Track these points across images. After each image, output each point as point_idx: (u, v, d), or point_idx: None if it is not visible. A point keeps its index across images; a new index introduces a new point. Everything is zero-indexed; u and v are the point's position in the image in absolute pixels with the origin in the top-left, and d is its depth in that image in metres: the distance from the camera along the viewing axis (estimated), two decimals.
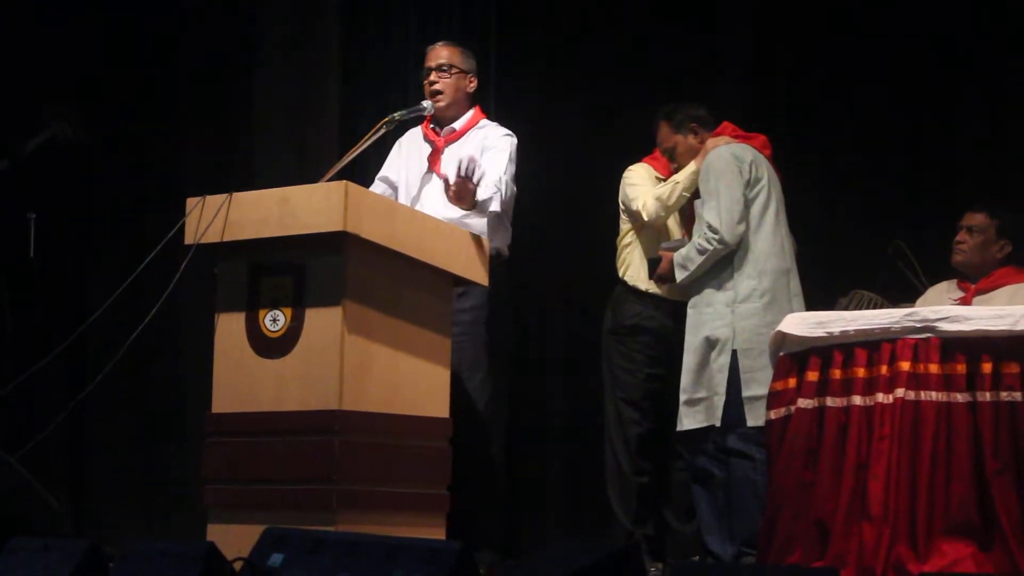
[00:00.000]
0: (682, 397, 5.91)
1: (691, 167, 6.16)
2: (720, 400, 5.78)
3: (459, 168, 5.67)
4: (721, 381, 5.77)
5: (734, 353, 5.77)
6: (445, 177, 5.95)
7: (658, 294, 6.29)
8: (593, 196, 6.63)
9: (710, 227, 5.81)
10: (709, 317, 5.84)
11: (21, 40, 7.74)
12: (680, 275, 5.94)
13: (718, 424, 5.79)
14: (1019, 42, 6.51)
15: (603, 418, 6.41)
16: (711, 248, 5.82)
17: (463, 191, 5.72)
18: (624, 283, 6.37)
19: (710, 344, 5.82)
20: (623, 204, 6.39)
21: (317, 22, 7.70)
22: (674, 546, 6.38)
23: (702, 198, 5.93)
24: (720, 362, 5.78)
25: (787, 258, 5.93)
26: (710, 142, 6.03)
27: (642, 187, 6.33)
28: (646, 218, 6.27)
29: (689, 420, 5.89)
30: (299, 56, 7.70)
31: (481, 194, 5.82)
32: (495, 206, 5.94)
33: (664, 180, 6.35)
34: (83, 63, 7.87)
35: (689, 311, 5.95)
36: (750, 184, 5.88)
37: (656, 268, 6.09)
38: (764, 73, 7.04)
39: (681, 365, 6.02)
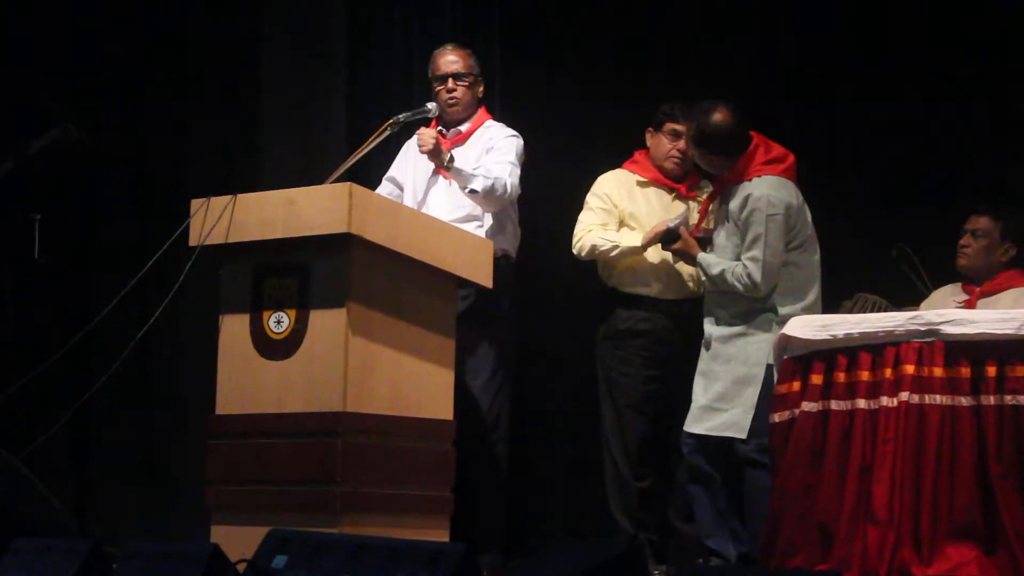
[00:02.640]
0: (702, 400, 5.88)
1: (634, 242, 6.15)
2: (749, 414, 5.75)
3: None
4: (752, 395, 5.74)
5: (769, 368, 5.71)
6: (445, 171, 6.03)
7: (650, 296, 6.25)
8: None
9: (751, 276, 5.76)
10: (742, 348, 5.80)
11: (24, 40, 7.74)
12: (703, 280, 5.94)
13: (743, 436, 5.76)
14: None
15: (600, 424, 6.40)
16: (744, 293, 5.79)
17: (422, 140, 5.91)
18: (613, 289, 6.34)
19: (745, 369, 5.79)
20: None
21: (322, 21, 7.69)
22: (676, 549, 6.36)
23: (745, 229, 5.83)
24: (755, 379, 5.73)
25: (819, 284, 5.92)
26: (756, 181, 5.85)
27: (590, 215, 6.29)
28: (575, 252, 6.28)
29: (705, 425, 5.84)
30: (304, 56, 7.70)
31: (471, 171, 5.98)
32: (477, 185, 5.97)
33: (646, 183, 6.31)
34: (87, 63, 7.87)
35: (719, 333, 5.90)
36: (793, 229, 5.84)
37: (671, 239, 6.04)
38: (765, 72, 7.02)
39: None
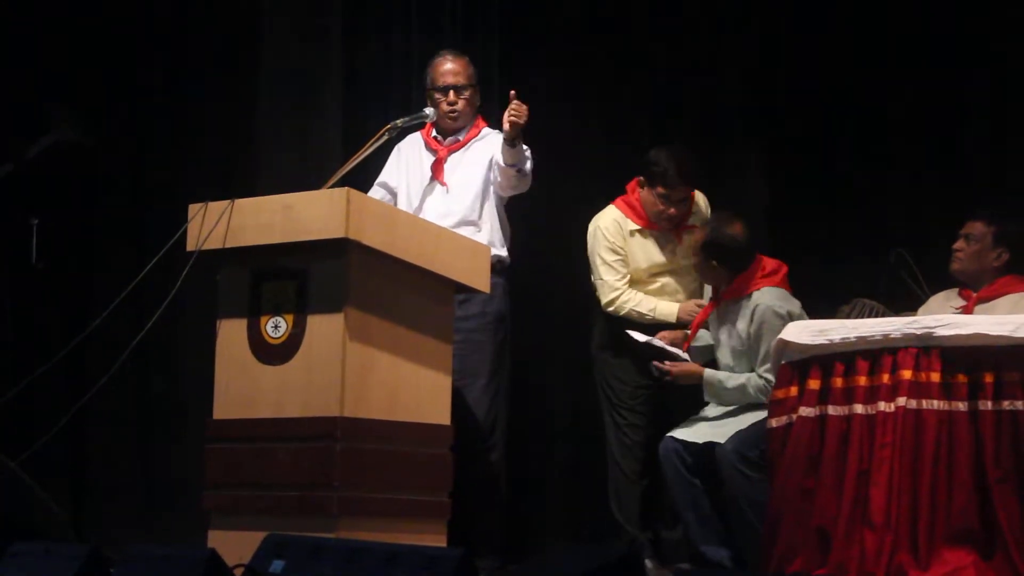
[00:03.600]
0: (708, 413, 5.97)
1: (669, 317, 6.24)
2: (739, 427, 5.82)
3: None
4: (753, 417, 5.78)
5: None
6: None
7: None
8: (596, 199, 6.61)
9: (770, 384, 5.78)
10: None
11: (23, 42, 7.74)
12: (715, 401, 5.99)
13: (721, 441, 5.80)
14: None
15: (603, 431, 6.42)
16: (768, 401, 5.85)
17: (520, 112, 5.83)
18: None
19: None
20: (590, 256, 6.38)
21: (319, 24, 7.69)
22: (669, 550, 6.39)
23: (756, 343, 5.88)
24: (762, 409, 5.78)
25: None
26: (758, 295, 5.92)
27: (611, 273, 6.29)
28: (607, 310, 6.31)
29: (693, 434, 5.92)
30: (301, 59, 7.69)
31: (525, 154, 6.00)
32: (528, 166, 6.04)
33: (640, 231, 6.32)
34: (85, 66, 7.87)
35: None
36: None
37: (663, 375, 6.05)
38: (765, 76, 7.02)
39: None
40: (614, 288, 6.28)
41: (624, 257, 6.31)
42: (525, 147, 6.02)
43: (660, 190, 6.24)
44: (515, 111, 5.84)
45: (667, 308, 6.28)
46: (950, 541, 4.91)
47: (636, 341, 6.11)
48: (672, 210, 6.25)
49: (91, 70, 7.88)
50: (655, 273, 6.33)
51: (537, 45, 7.34)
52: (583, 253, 6.46)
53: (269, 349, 5.32)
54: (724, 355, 6.02)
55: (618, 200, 6.39)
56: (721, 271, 5.98)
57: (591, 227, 6.39)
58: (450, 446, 5.42)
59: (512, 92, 5.87)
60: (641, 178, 6.30)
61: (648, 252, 6.32)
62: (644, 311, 6.27)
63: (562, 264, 6.93)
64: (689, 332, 6.18)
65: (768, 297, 5.90)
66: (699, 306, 6.22)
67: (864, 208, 6.74)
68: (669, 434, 5.96)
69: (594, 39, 7.26)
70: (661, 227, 6.31)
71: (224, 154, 7.74)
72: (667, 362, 6.04)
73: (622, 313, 6.28)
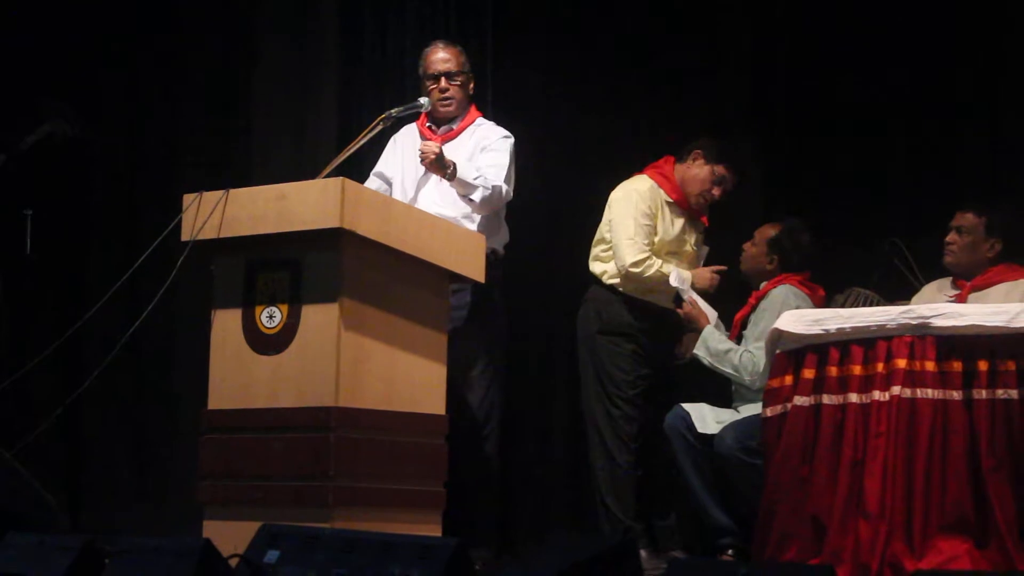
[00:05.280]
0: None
1: (687, 275, 6.26)
2: (733, 418, 5.92)
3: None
4: (752, 411, 5.84)
5: None
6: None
7: (658, 304, 6.32)
8: (592, 193, 6.62)
9: (756, 364, 5.93)
10: None
11: (18, 36, 7.73)
12: (701, 353, 6.10)
13: (712, 432, 5.94)
14: (1019, 40, 6.51)
15: (588, 420, 6.43)
16: (738, 378, 6.04)
17: (425, 150, 5.88)
18: (607, 286, 6.36)
19: None
20: (608, 223, 6.37)
21: (315, 15, 7.69)
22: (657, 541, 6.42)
23: (756, 323, 6.05)
24: None
25: None
26: (777, 289, 6.11)
27: (640, 232, 6.26)
28: (633, 269, 6.26)
29: (700, 419, 6.04)
30: (297, 50, 7.70)
31: (472, 181, 5.94)
32: (477, 196, 5.96)
33: (672, 204, 6.33)
34: (80, 59, 7.86)
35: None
36: None
37: (679, 303, 6.23)
38: (764, 72, 7.03)
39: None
40: (643, 249, 6.27)
41: (654, 224, 6.31)
42: (476, 177, 5.99)
43: (720, 169, 6.26)
44: (420, 150, 5.92)
45: (683, 274, 6.29)
46: (944, 530, 4.92)
47: (677, 288, 6.22)
48: (717, 192, 6.27)
49: (85, 62, 7.87)
50: (671, 252, 6.34)
51: (532, 41, 7.34)
52: (583, 245, 6.46)
53: (264, 339, 5.31)
54: (748, 344, 6.12)
55: (649, 171, 6.40)
56: (774, 269, 6.17)
57: (619, 193, 6.37)
58: (445, 436, 5.42)
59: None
60: (698, 151, 6.30)
61: (676, 227, 6.36)
62: (666, 272, 6.27)
63: (562, 255, 6.93)
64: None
65: (783, 291, 6.08)
66: (716, 272, 6.30)
67: (859, 197, 6.75)
68: (679, 404, 6.07)
69: (588, 34, 7.25)
70: (693, 204, 6.33)
71: (218, 144, 7.74)
72: (690, 298, 6.17)
73: (647, 274, 6.25)
